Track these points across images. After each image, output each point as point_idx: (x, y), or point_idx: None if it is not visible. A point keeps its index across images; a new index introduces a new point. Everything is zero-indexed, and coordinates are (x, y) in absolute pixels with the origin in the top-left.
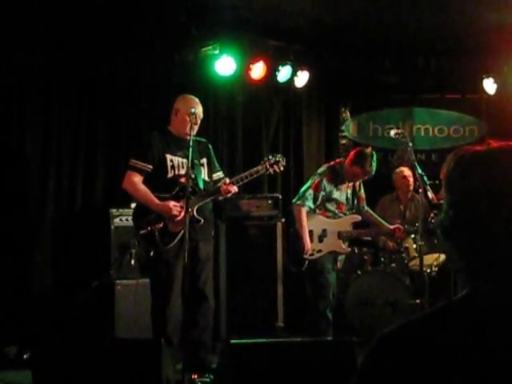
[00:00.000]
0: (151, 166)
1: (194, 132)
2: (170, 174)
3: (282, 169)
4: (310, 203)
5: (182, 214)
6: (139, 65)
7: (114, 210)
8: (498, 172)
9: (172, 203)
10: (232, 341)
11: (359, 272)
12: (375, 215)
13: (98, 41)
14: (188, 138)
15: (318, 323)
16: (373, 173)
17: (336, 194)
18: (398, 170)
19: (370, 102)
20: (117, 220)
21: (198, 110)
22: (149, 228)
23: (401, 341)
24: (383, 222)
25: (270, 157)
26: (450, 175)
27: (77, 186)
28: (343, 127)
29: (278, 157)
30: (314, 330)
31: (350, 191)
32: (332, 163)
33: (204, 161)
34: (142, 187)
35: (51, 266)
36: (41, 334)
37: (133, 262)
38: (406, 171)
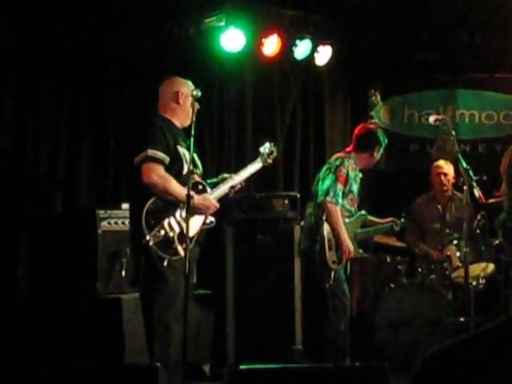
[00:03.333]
0: (169, 159)
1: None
2: (185, 171)
3: (273, 158)
4: (340, 200)
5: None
6: (130, 39)
7: (101, 212)
8: None
9: (212, 199)
10: (241, 366)
11: (392, 285)
12: (368, 216)
13: (82, 11)
14: (183, 126)
15: (337, 344)
16: (382, 150)
17: (354, 188)
18: (435, 163)
19: (405, 83)
20: (104, 223)
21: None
22: (165, 234)
23: (450, 364)
24: (377, 219)
25: (263, 147)
26: None
27: (56, 184)
28: (373, 113)
29: (271, 146)
30: (335, 353)
31: (360, 183)
32: (348, 150)
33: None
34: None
35: (28, 278)
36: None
37: (124, 273)
38: (444, 165)
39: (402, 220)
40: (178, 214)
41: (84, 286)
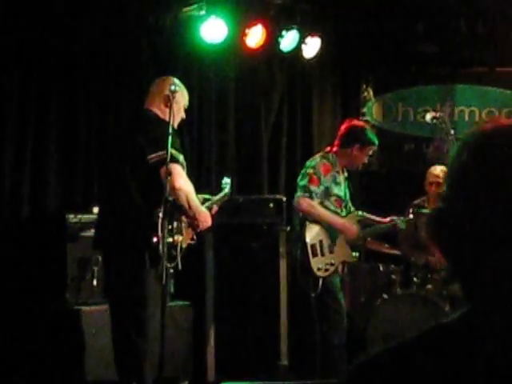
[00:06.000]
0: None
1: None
2: None
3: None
4: (319, 199)
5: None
6: (103, 31)
7: (71, 216)
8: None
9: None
10: None
11: (385, 296)
12: (365, 214)
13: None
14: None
15: (330, 361)
16: (375, 147)
17: (336, 189)
18: (431, 169)
19: (399, 78)
20: (75, 228)
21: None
22: (171, 240)
23: (381, 371)
24: (376, 217)
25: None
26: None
27: (22, 186)
28: (364, 109)
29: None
30: (326, 369)
31: (345, 184)
32: (326, 150)
33: None
34: None
35: None
36: None
37: (95, 282)
38: (440, 173)
39: (403, 218)
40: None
41: (52, 296)
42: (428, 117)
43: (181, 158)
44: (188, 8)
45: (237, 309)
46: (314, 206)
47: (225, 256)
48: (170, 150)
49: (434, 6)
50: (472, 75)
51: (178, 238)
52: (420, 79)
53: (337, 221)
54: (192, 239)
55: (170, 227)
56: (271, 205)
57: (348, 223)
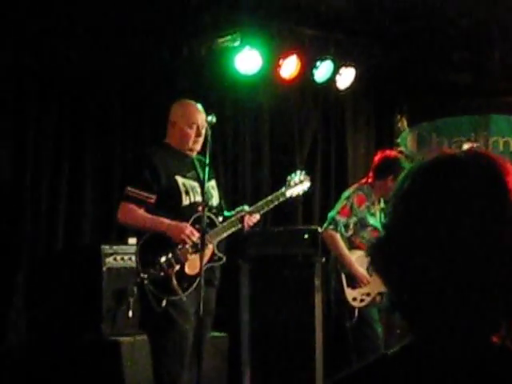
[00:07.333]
0: (155, 197)
1: (199, 147)
2: (186, 202)
3: (305, 189)
4: (342, 230)
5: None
6: (136, 61)
7: (106, 247)
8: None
9: (190, 227)
10: None
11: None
12: None
13: (81, 30)
14: (191, 154)
15: None
16: None
17: (371, 220)
18: None
19: (433, 108)
20: (110, 260)
21: (200, 118)
22: (162, 273)
23: None
24: None
25: (293, 175)
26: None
27: (58, 218)
28: (399, 140)
29: (302, 174)
30: None
31: (382, 215)
32: (362, 182)
33: (213, 183)
34: (143, 212)
35: (28, 321)
36: None
37: (130, 313)
38: None
39: None
40: (178, 249)
41: (88, 328)
42: (465, 147)
43: (138, 192)
44: (222, 39)
45: (272, 338)
46: (334, 239)
47: (260, 286)
48: (128, 188)
49: (468, 36)
50: (506, 105)
51: (173, 268)
52: (454, 109)
53: (350, 265)
54: (212, 260)
55: (162, 259)
56: (306, 235)
57: (361, 270)
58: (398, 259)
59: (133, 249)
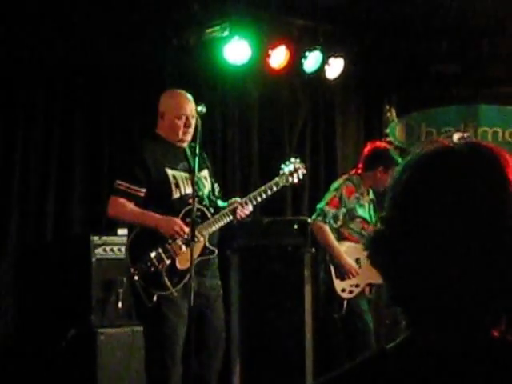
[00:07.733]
0: (144, 190)
1: (189, 137)
2: (176, 195)
3: (301, 177)
4: (331, 221)
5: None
6: (126, 52)
7: (95, 238)
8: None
9: (179, 221)
10: None
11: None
12: None
13: (73, 23)
14: (181, 145)
15: None
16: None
17: (360, 211)
18: None
19: (422, 98)
20: (99, 250)
21: (189, 108)
22: (152, 269)
23: None
24: None
25: (287, 163)
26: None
27: (47, 208)
28: (387, 130)
29: (296, 162)
30: None
31: (371, 206)
32: (351, 173)
33: (206, 173)
34: (133, 206)
35: (15, 311)
36: None
37: (120, 304)
38: None
39: None
40: (168, 244)
41: (77, 319)
42: (455, 137)
43: (128, 186)
44: (211, 29)
45: (261, 330)
46: (323, 230)
47: (249, 278)
48: (117, 181)
49: (456, 27)
50: (495, 95)
51: (164, 263)
52: (443, 99)
53: (339, 256)
54: (203, 254)
55: (152, 254)
56: (295, 226)
57: (349, 261)
58: (396, 253)
59: (122, 239)
